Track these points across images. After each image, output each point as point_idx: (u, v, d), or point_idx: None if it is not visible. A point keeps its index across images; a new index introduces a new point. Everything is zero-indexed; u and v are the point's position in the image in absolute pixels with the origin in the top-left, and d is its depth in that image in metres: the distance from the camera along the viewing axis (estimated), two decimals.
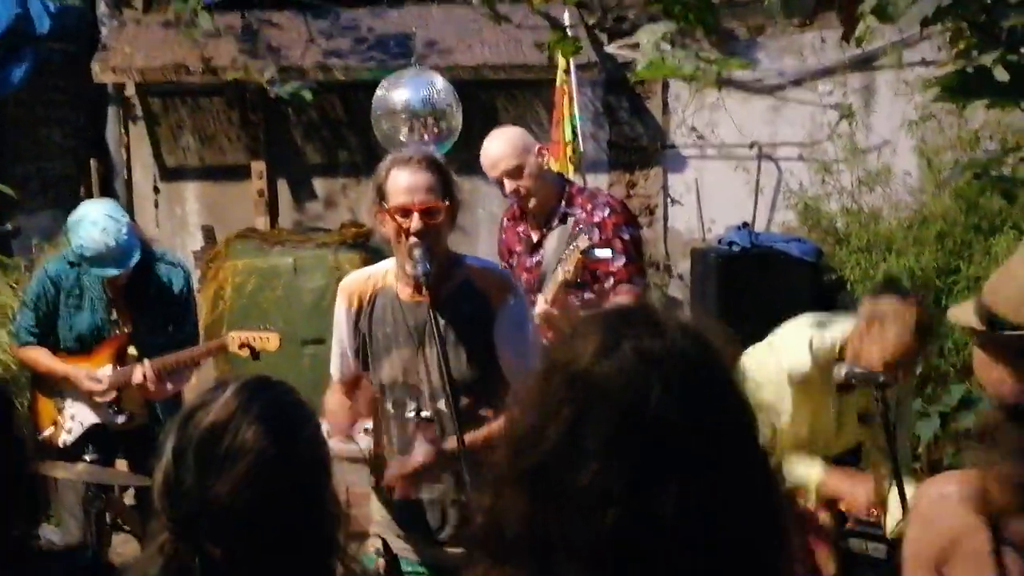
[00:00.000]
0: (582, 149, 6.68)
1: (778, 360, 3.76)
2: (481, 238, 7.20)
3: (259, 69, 7.18)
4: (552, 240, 4.19)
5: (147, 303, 4.39)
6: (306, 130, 8.06)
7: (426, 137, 5.96)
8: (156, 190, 8.14)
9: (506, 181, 4.23)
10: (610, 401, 1.21)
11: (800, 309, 3.94)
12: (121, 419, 4.39)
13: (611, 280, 4.18)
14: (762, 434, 1.29)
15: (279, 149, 8.00)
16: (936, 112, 6.55)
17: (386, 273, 3.17)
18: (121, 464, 4.57)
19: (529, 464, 1.24)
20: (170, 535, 1.78)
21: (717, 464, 1.21)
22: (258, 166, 7.84)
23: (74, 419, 4.42)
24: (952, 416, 5.33)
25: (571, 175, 6.22)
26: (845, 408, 3.79)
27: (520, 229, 4.44)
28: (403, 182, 2.99)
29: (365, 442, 3.20)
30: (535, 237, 4.34)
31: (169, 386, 4.25)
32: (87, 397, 4.36)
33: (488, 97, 7.70)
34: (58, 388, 4.44)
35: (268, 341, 4.30)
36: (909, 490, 3.36)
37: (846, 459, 3.98)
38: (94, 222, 4.15)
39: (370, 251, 6.93)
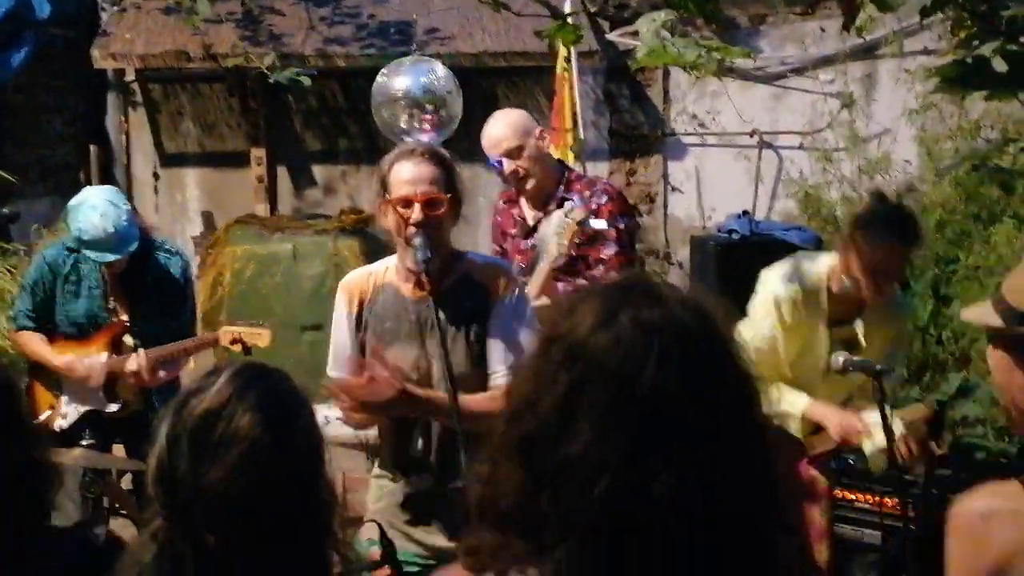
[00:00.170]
0: (582, 137, 6.68)
1: (765, 288, 3.84)
2: (482, 226, 7.19)
3: (259, 56, 7.17)
4: (548, 224, 4.19)
5: (144, 291, 4.39)
6: (306, 117, 8.06)
7: (426, 125, 5.95)
8: (156, 176, 8.15)
9: (505, 161, 4.23)
10: (606, 372, 1.21)
11: None
12: (114, 407, 4.39)
13: (600, 267, 4.18)
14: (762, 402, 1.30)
15: (279, 136, 8.00)
16: (936, 101, 6.54)
17: (387, 269, 3.17)
18: (118, 449, 4.58)
19: (524, 433, 1.24)
20: (164, 522, 1.79)
21: (714, 437, 1.20)
22: (258, 153, 7.84)
23: (70, 404, 4.43)
24: (949, 404, 5.33)
25: (571, 163, 6.22)
26: (835, 348, 3.80)
27: (515, 212, 4.44)
28: (405, 174, 2.99)
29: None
30: (531, 220, 4.35)
31: (162, 374, 4.25)
32: (79, 385, 4.37)
33: (489, 84, 7.69)
34: (55, 374, 4.45)
35: (259, 337, 4.29)
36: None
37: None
38: (94, 207, 4.15)
39: (369, 238, 6.94)
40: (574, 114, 6.49)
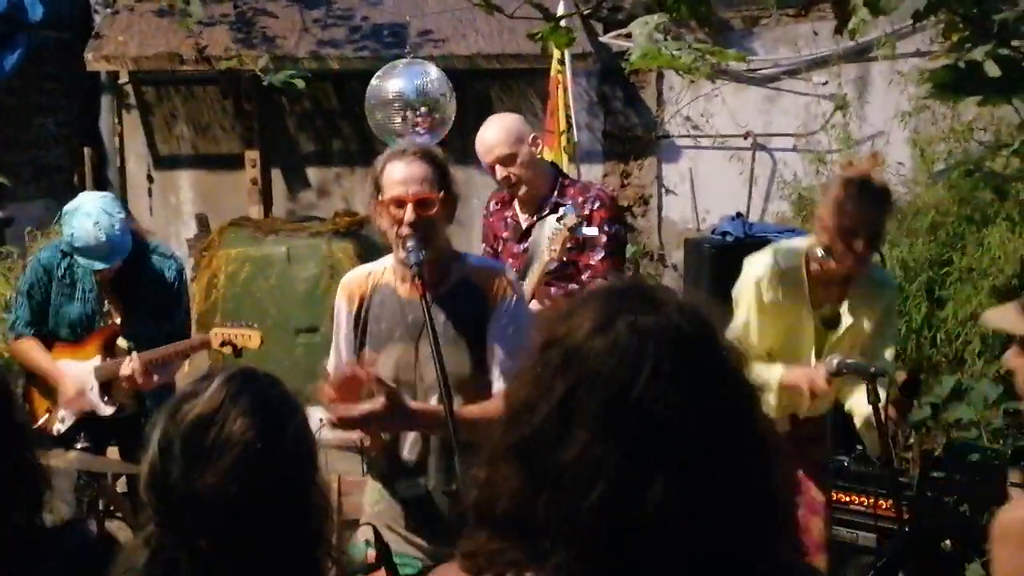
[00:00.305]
0: (576, 139, 6.68)
1: (746, 273, 3.87)
2: (476, 228, 7.17)
3: (253, 58, 7.17)
4: (541, 229, 4.19)
5: (138, 294, 4.39)
6: (300, 119, 8.06)
7: (420, 127, 5.95)
8: (150, 179, 8.14)
9: (498, 168, 4.24)
10: (601, 377, 1.21)
11: None
12: (109, 410, 4.39)
13: (588, 273, 4.19)
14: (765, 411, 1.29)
15: (273, 138, 8.00)
16: (929, 103, 6.56)
17: (384, 270, 3.16)
18: (113, 452, 4.57)
19: (521, 438, 1.24)
20: (156, 527, 1.79)
21: (711, 442, 1.20)
22: (252, 155, 7.83)
23: (66, 408, 4.42)
24: (943, 407, 5.34)
25: (566, 165, 6.23)
26: (820, 328, 3.81)
27: (508, 215, 4.44)
28: (398, 174, 2.98)
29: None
30: (524, 224, 4.35)
31: (156, 378, 4.25)
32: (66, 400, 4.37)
33: (482, 87, 7.70)
34: (50, 388, 4.45)
35: (250, 339, 4.28)
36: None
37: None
38: (88, 214, 4.15)
39: (363, 240, 6.94)
40: (568, 116, 6.49)
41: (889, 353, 3.82)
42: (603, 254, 4.21)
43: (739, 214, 7.30)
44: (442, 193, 3.00)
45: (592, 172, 7.64)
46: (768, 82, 7.77)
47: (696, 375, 1.22)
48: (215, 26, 7.55)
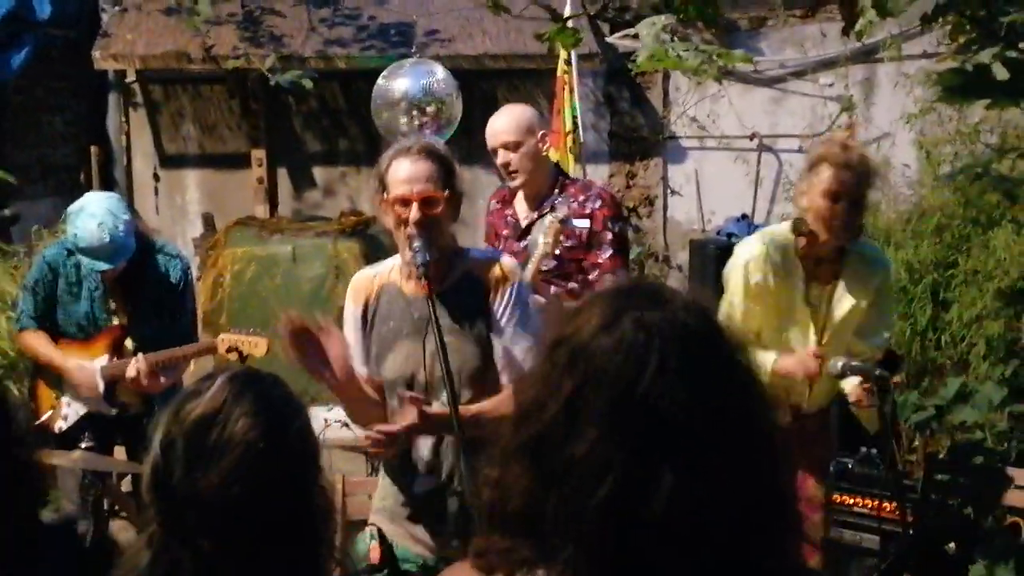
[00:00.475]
0: (582, 139, 6.68)
1: (735, 257, 3.88)
2: (481, 227, 7.18)
3: (260, 57, 7.18)
4: (540, 227, 4.20)
5: (144, 294, 4.39)
6: (306, 119, 8.07)
7: (426, 127, 5.96)
8: (156, 177, 8.15)
9: (500, 152, 4.26)
10: (608, 375, 1.21)
11: None
12: (113, 410, 4.39)
13: (596, 271, 4.20)
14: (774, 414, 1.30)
15: (279, 137, 8.00)
16: (936, 105, 6.55)
17: (391, 269, 3.16)
18: (119, 451, 4.58)
19: (531, 436, 1.25)
20: (159, 527, 1.79)
21: (717, 440, 1.20)
22: (258, 154, 7.84)
23: (70, 406, 4.43)
24: (948, 409, 5.33)
25: (571, 165, 6.23)
26: (813, 308, 3.81)
27: (508, 213, 4.45)
28: (403, 172, 2.98)
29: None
30: (524, 222, 4.36)
31: (162, 380, 4.25)
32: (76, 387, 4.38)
33: (489, 87, 7.70)
34: (57, 378, 4.46)
35: (256, 346, 4.29)
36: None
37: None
38: (92, 215, 4.15)
39: (369, 240, 6.94)
40: (574, 116, 6.49)
41: (886, 334, 3.81)
42: (610, 252, 4.22)
43: (744, 215, 7.30)
44: (447, 191, 3.00)
45: (598, 172, 7.64)
46: (774, 83, 7.77)
47: (702, 372, 1.23)
48: (222, 25, 7.55)
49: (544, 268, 4.08)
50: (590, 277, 4.21)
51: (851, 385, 3.71)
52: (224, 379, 1.83)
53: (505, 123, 4.30)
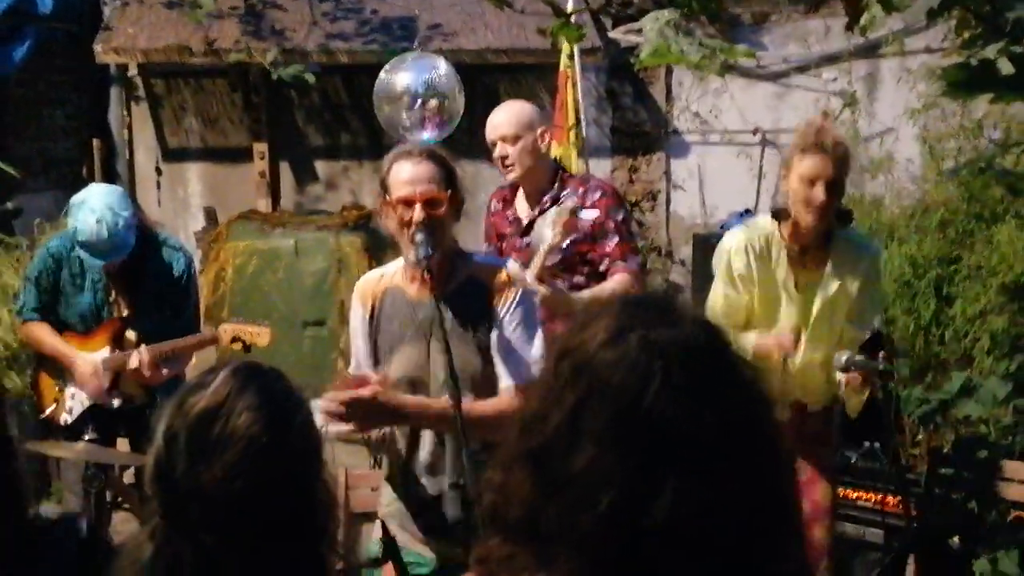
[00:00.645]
0: (585, 134, 6.67)
1: (720, 246, 3.93)
2: (482, 223, 7.21)
3: (262, 51, 7.17)
4: (543, 222, 4.21)
5: (146, 286, 4.40)
6: (308, 112, 8.06)
7: (428, 121, 5.95)
8: (158, 171, 8.14)
9: (499, 144, 4.27)
10: (610, 389, 1.21)
11: None
12: (116, 402, 4.40)
13: (606, 261, 4.21)
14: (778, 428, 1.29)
15: (281, 131, 8.00)
16: (939, 100, 6.54)
17: (396, 272, 3.18)
18: (122, 443, 4.58)
19: (534, 446, 1.25)
20: (161, 521, 1.79)
21: (721, 456, 1.20)
22: (260, 148, 7.83)
23: (74, 398, 4.43)
24: (952, 404, 5.32)
25: (574, 160, 6.22)
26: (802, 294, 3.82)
27: (509, 212, 4.46)
28: (405, 174, 3.00)
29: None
30: (525, 219, 4.36)
31: (165, 372, 4.26)
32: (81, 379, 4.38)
33: (491, 81, 7.68)
34: (60, 370, 4.46)
35: (259, 336, 4.29)
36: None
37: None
38: (93, 210, 4.15)
39: (371, 233, 6.94)
40: (577, 111, 6.49)
41: (877, 320, 3.81)
42: (617, 239, 4.22)
43: (747, 210, 7.29)
44: (449, 192, 3.02)
45: (600, 167, 7.63)
46: (777, 78, 7.75)
47: (707, 389, 1.22)
48: (224, 19, 7.55)
49: (549, 263, 4.08)
50: (600, 268, 4.21)
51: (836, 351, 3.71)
52: (227, 372, 1.83)
53: (505, 117, 4.32)
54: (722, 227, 7.10)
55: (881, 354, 3.45)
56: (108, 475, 4.17)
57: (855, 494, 4.59)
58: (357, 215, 7.18)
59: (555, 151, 5.14)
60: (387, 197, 3.02)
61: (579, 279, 4.22)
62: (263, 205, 7.75)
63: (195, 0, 7.24)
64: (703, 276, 6.88)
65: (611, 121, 7.99)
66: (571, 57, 6.55)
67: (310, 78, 6.95)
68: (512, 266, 3.20)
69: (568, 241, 4.05)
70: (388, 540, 3.05)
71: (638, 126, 8.01)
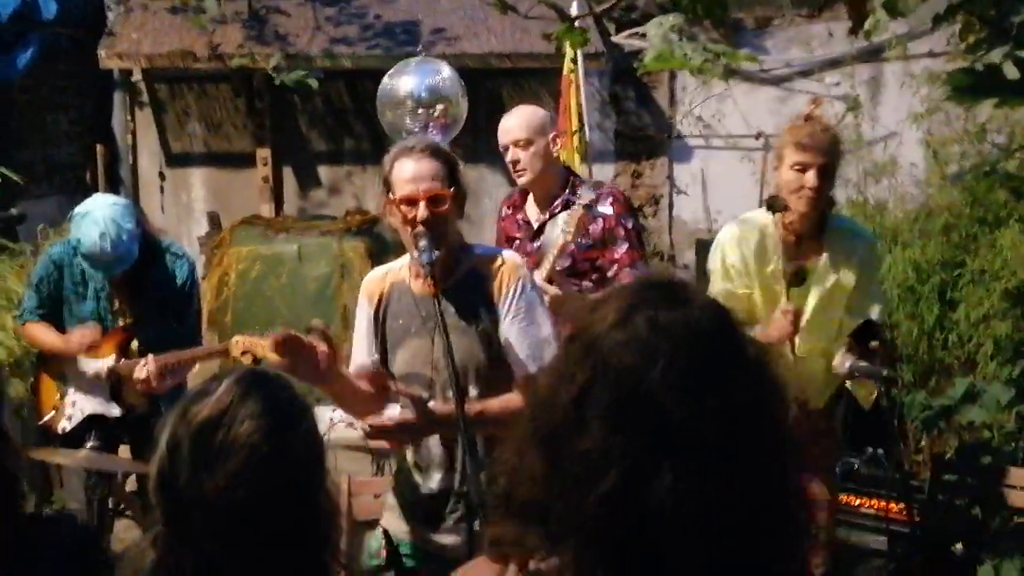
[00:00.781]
0: (588, 139, 6.67)
1: (715, 241, 3.95)
2: (487, 227, 7.19)
3: (266, 56, 7.18)
4: (553, 225, 4.21)
5: (149, 294, 4.39)
6: (312, 117, 8.06)
7: (432, 126, 5.95)
8: (162, 176, 8.15)
9: (510, 149, 4.28)
10: (616, 370, 1.22)
11: None
12: (118, 411, 4.39)
13: (614, 267, 4.22)
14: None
15: (285, 136, 8.00)
16: (943, 104, 6.53)
17: (401, 267, 3.19)
18: (124, 451, 4.58)
19: (544, 427, 1.26)
20: (164, 528, 1.78)
21: (725, 441, 1.20)
22: (263, 153, 7.84)
23: (75, 406, 4.42)
24: (955, 409, 5.31)
25: (577, 164, 6.22)
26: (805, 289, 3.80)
27: (519, 217, 4.47)
28: (407, 172, 2.99)
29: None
30: (536, 223, 4.37)
31: (169, 382, 4.25)
32: (87, 383, 4.37)
33: (494, 86, 7.69)
34: (62, 373, 4.45)
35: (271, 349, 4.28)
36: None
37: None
38: (96, 222, 4.13)
39: (375, 238, 6.94)
40: (580, 116, 6.49)
41: (875, 310, 3.80)
42: (627, 245, 4.24)
43: None
44: (452, 188, 3.01)
45: (604, 172, 7.63)
46: (780, 82, 7.75)
47: (713, 372, 1.22)
48: (228, 24, 7.55)
49: (559, 267, 4.09)
50: (608, 274, 4.22)
51: (840, 355, 3.69)
52: (231, 380, 1.83)
53: (517, 121, 4.33)
54: None
55: (873, 344, 3.43)
56: (110, 483, 4.17)
57: (858, 501, 4.58)
58: (360, 220, 7.18)
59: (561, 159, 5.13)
60: (390, 195, 3.02)
61: (587, 284, 4.22)
62: (266, 210, 7.76)
63: (199, 5, 7.25)
64: (706, 280, 6.88)
65: (614, 126, 8.00)
66: (574, 61, 6.54)
67: (313, 83, 6.96)
68: (510, 255, 3.19)
69: (579, 241, 4.06)
70: (391, 550, 3.06)
71: (641, 131, 8.02)
